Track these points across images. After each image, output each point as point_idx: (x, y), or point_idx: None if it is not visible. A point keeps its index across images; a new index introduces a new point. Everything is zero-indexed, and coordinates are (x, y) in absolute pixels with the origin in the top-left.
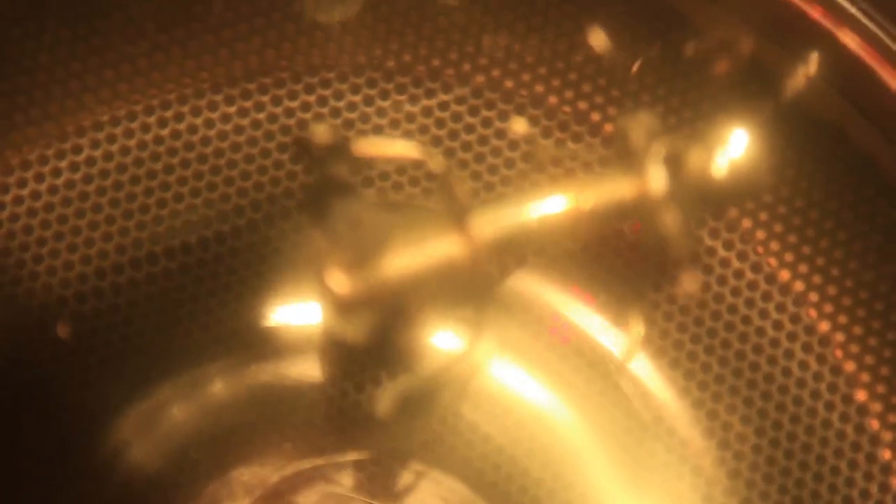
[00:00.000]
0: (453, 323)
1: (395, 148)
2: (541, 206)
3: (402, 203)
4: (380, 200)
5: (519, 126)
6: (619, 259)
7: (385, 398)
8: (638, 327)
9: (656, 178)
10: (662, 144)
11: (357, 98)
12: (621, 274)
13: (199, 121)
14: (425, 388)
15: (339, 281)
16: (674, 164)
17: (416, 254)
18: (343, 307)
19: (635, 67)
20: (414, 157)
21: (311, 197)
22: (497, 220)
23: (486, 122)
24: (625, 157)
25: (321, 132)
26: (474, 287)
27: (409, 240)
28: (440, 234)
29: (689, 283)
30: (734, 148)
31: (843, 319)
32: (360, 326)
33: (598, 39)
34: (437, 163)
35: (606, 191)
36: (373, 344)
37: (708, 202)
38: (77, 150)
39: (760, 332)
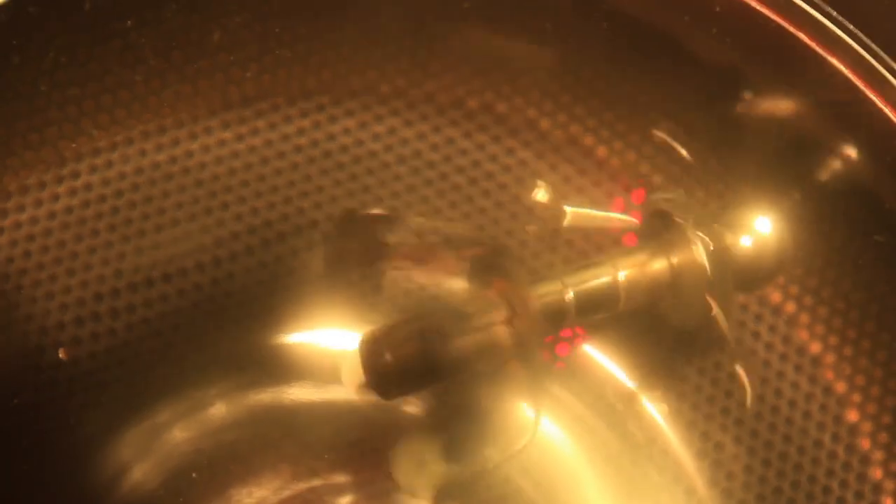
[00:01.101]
0: (498, 404)
1: (448, 229)
2: (582, 283)
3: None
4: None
5: (542, 196)
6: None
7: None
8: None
9: (699, 254)
10: (697, 223)
11: (351, 123)
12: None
13: (195, 146)
14: (466, 473)
15: (389, 359)
16: (710, 243)
17: (463, 333)
18: (390, 385)
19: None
20: (465, 234)
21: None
22: (540, 298)
23: (510, 151)
24: (656, 235)
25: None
26: (519, 368)
27: (458, 320)
28: (492, 319)
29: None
30: (757, 232)
31: (833, 340)
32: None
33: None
34: (484, 242)
35: (641, 267)
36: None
37: (739, 283)
38: (75, 175)
39: (752, 353)
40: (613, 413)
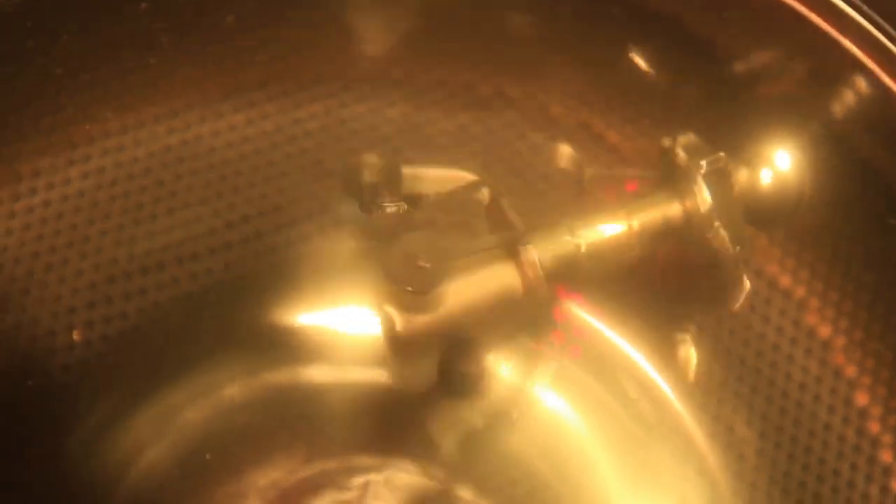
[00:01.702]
0: (509, 351)
1: (444, 172)
2: (593, 230)
3: (454, 230)
4: (432, 229)
5: (565, 153)
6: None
7: (448, 429)
8: (689, 354)
9: (704, 196)
10: (707, 163)
11: (362, 108)
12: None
13: (206, 129)
14: (488, 420)
15: (403, 324)
16: (719, 182)
17: (473, 285)
18: (407, 349)
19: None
20: (464, 183)
21: (366, 227)
22: (550, 244)
23: (521, 136)
24: (670, 178)
25: (371, 160)
26: (530, 313)
27: (466, 268)
28: (495, 264)
29: (745, 283)
30: (776, 167)
31: (844, 324)
32: (416, 369)
33: (642, 64)
34: (488, 191)
35: (654, 211)
36: (434, 370)
37: (751, 222)
38: (87, 158)
39: (762, 337)
40: (627, 395)
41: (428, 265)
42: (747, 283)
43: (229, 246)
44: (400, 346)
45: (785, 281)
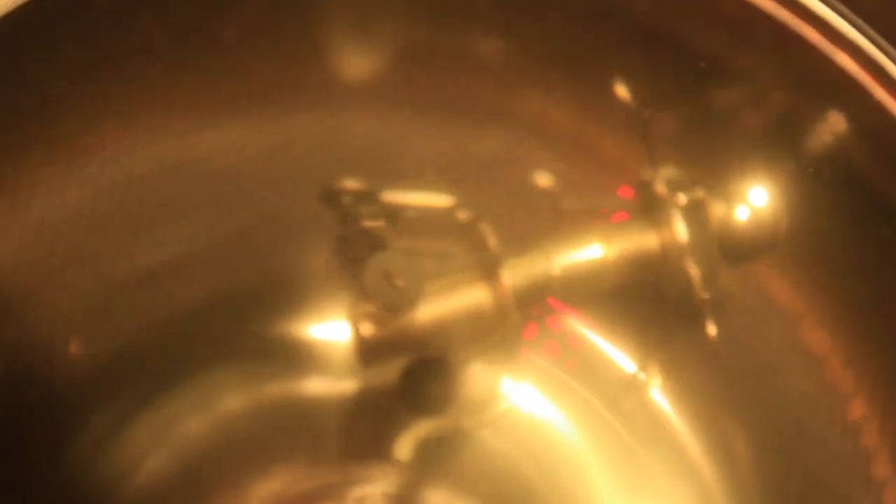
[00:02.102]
0: (478, 369)
1: (423, 198)
2: (567, 256)
3: (431, 252)
4: (410, 249)
5: (544, 180)
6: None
7: (406, 442)
8: (656, 375)
9: (680, 230)
10: (685, 196)
11: (358, 121)
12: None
13: (203, 141)
14: (449, 434)
15: (371, 329)
16: (696, 216)
17: (446, 303)
18: (372, 353)
19: (647, 115)
20: (443, 206)
21: (342, 245)
22: (524, 269)
23: (516, 173)
24: (648, 209)
25: (350, 184)
26: (501, 334)
27: (441, 289)
28: (471, 284)
29: (711, 327)
30: (752, 203)
31: (840, 340)
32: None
33: (623, 92)
34: (465, 212)
35: (630, 241)
36: (403, 386)
37: (727, 257)
38: (85, 168)
39: (759, 353)
40: (621, 407)
41: (403, 285)
42: (713, 330)
43: (226, 257)
44: (367, 355)
45: (781, 297)
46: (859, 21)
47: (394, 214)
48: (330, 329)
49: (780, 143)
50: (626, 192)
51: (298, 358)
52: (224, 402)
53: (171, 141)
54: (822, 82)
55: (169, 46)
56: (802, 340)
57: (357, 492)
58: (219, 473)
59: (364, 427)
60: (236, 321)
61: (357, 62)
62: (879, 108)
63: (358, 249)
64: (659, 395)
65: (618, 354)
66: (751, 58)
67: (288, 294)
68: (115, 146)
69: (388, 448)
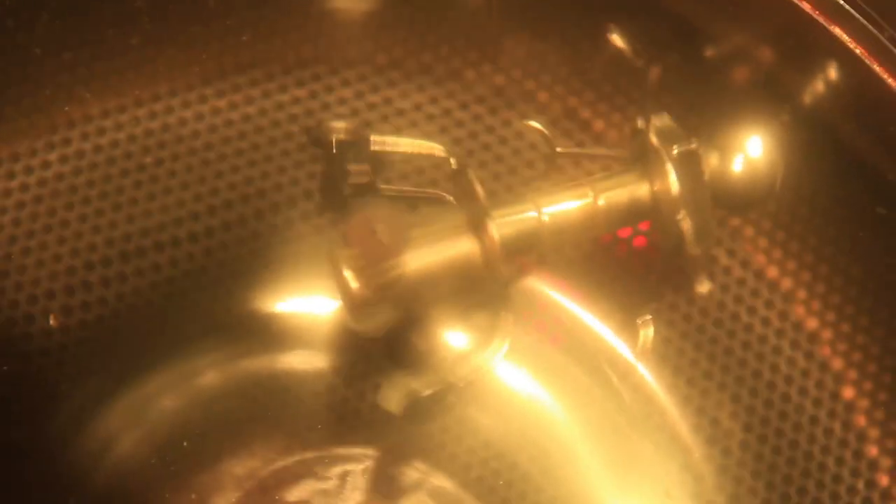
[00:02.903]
0: (468, 323)
1: (413, 144)
2: (557, 205)
3: (419, 201)
4: (398, 199)
5: (535, 127)
6: (621, 268)
7: (395, 395)
8: (647, 332)
9: (673, 180)
10: (679, 147)
11: (347, 92)
12: (623, 281)
13: (189, 114)
14: (434, 389)
15: (355, 278)
16: (690, 166)
17: (432, 254)
18: (357, 304)
19: (654, 74)
20: (432, 154)
21: (329, 193)
22: (514, 219)
23: (506, 123)
24: (642, 159)
25: (340, 125)
26: (489, 288)
27: (426, 239)
28: (457, 235)
29: (702, 284)
30: (749, 153)
31: (831, 316)
32: (373, 323)
33: (618, 43)
34: (455, 161)
35: (622, 191)
36: (388, 342)
37: (722, 208)
38: (66, 142)
39: (749, 328)
40: (610, 386)
41: (385, 234)
42: (706, 284)
43: (211, 231)
44: (356, 307)
45: (772, 272)
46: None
47: (381, 159)
48: (312, 305)
49: (766, 95)
50: (619, 142)
51: (280, 335)
52: (202, 378)
53: (156, 114)
54: (808, 43)
55: (150, 17)
56: (793, 314)
57: (338, 469)
58: (197, 450)
59: (344, 403)
60: (218, 297)
61: (345, 34)
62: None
63: (343, 192)
64: (647, 371)
65: (605, 330)
66: (737, 22)
67: (271, 269)
68: (98, 118)
69: (369, 424)
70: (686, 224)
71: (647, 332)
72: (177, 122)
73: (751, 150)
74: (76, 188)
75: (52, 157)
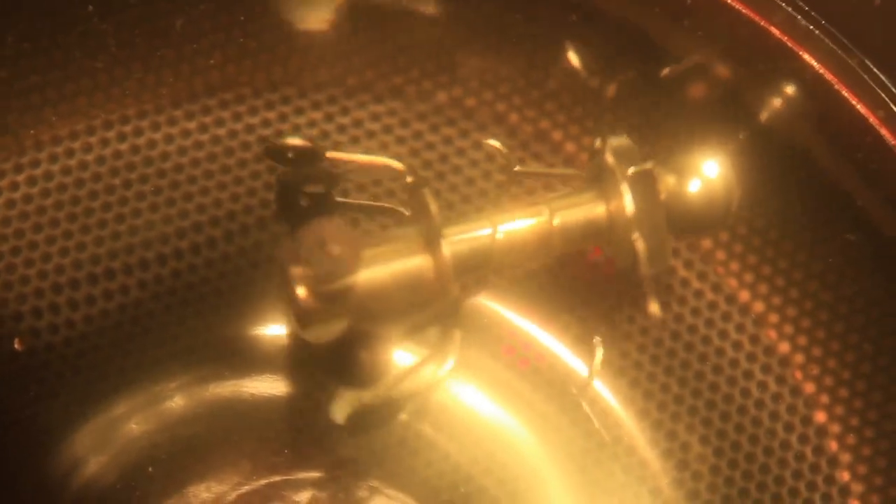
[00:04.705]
0: (416, 340)
1: (369, 159)
2: (512, 223)
3: (375, 213)
4: (351, 213)
5: (491, 144)
6: (581, 282)
7: (343, 407)
8: (600, 350)
9: (628, 201)
10: (635, 167)
11: (317, 115)
12: (582, 296)
13: (158, 136)
14: (383, 403)
15: (305, 294)
16: (645, 187)
17: (383, 270)
18: (307, 320)
19: (611, 91)
20: (387, 167)
21: (282, 206)
22: (467, 237)
23: (476, 146)
24: (598, 179)
25: (295, 141)
26: (440, 305)
27: (379, 256)
28: (410, 252)
29: (653, 305)
30: (706, 175)
31: (802, 341)
32: (323, 340)
33: (572, 61)
34: (411, 177)
35: (578, 211)
36: (335, 358)
37: (678, 230)
38: (35, 164)
39: (720, 352)
40: (577, 410)
41: (338, 252)
42: (655, 308)
43: (180, 254)
44: (304, 321)
45: (743, 296)
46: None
47: (336, 175)
48: (281, 330)
49: (728, 116)
50: (573, 161)
51: (244, 358)
52: (169, 402)
53: (125, 136)
54: (763, 57)
55: (116, 39)
56: (764, 339)
57: (306, 493)
58: (162, 475)
59: (311, 427)
60: (186, 320)
61: (315, 57)
62: (837, 101)
63: (298, 208)
64: (611, 394)
65: (564, 351)
66: (695, 33)
67: (241, 293)
68: (67, 140)
69: (337, 447)
70: (640, 244)
71: (598, 354)
72: (146, 144)
73: (708, 173)
74: (44, 210)
75: (20, 178)
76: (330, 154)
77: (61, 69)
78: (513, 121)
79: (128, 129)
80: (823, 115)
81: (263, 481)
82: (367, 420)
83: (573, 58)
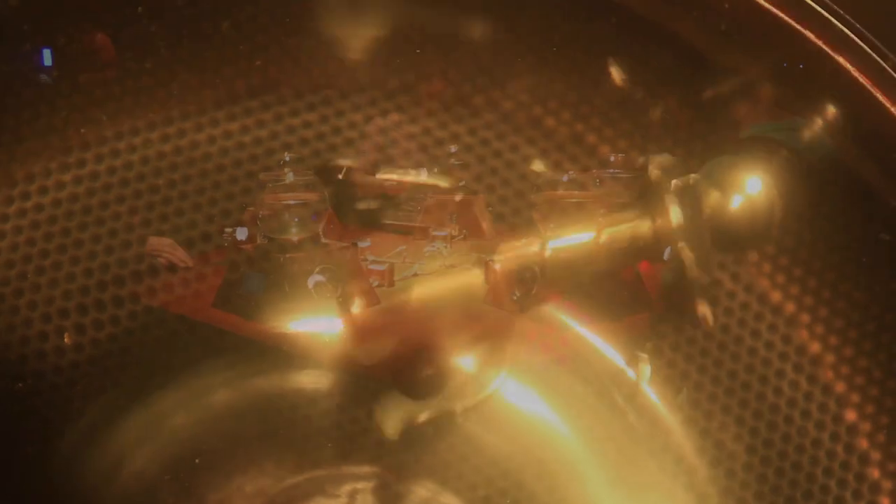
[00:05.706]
0: (469, 353)
1: (417, 178)
2: (560, 241)
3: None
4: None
5: (538, 167)
6: (628, 291)
7: (394, 421)
8: (647, 367)
9: (674, 217)
10: (679, 182)
11: (357, 117)
12: (629, 305)
13: (201, 137)
14: (431, 415)
15: (361, 307)
16: (690, 199)
17: (437, 284)
18: (362, 332)
19: (655, 108)
20: (437, 187)
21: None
22: (518, 254)
23: (514, 148)
24: (643, 196)
25: (345, 162)
26: (491, 320)
27: (432, 270)
28: (463, 266)
29: (704, 312)
30: (749, 193)
31: (834, 340)
32: (377, 351)
33: (621, 79)
34: (461, 195)
35: (624, 227)
36: (388, 369)
37: (722, 247)
38: (81, 163)
39: (753, 352)
40: (615, 407)
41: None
42: (708, 315)
43: (222, 251)
44: (358, 338)
45: (775, 296)
46: (855, 23)
47: (388, 195)
48: (324, 325)
49: (773, 133)
50: (620, 178)
51: (287, 353)
52: (214, 397)
53: (169, 137)
54: (813, 77)
55: (165, 41)
56: (797, 339)
57: (347, 487)
58: (208, 468)
59: (353, 421)
60: (226, 316)
61: (356, 59)
62: (871, 104)
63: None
64: (651, 391)
65: (609, 350)
66: (742, 50)
67: (284, 294)
68: (112, 140)
69: (378, 442)
70: (686, 252)
71: (645, 369)
72: (189, 144)
73: (750, 189)
74: (90, 209)
75: (67, 178)
76: (380, 175)
77: (109, 70)
78: (562, 135)
79: (171, 129)
80: (858, 119)
81: (306, 475)
82: (417, 433)
83: (619, 73)
